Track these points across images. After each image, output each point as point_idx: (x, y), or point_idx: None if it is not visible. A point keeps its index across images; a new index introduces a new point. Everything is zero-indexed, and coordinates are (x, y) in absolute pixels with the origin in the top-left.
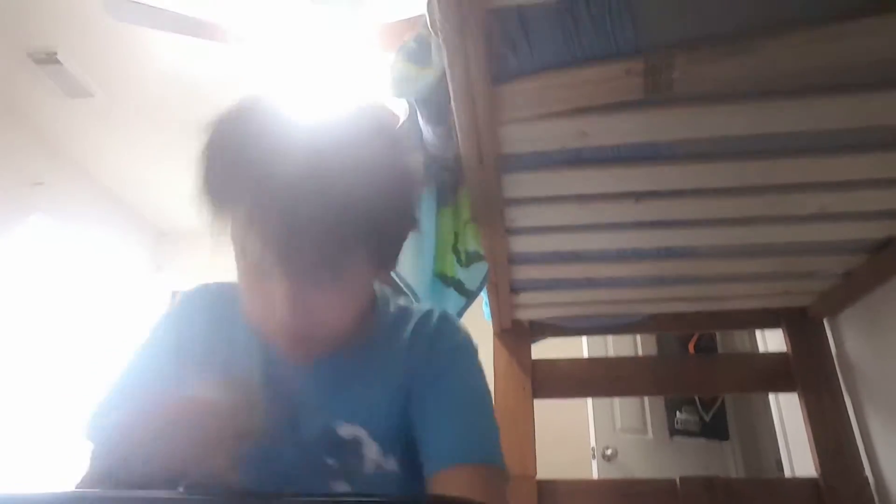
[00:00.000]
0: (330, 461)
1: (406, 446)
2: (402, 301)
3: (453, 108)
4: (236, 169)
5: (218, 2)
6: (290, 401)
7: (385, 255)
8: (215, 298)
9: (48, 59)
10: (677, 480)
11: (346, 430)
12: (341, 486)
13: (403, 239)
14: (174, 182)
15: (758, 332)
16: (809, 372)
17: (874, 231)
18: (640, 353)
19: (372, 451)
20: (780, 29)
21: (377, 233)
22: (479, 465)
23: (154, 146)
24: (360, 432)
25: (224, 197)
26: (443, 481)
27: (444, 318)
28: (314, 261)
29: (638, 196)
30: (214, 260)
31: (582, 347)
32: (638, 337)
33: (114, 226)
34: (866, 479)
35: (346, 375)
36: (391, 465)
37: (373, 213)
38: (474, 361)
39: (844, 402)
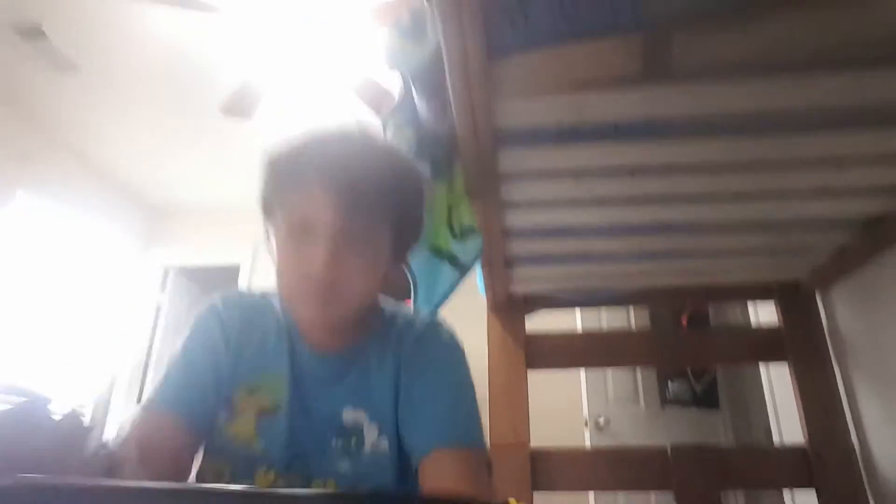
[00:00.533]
0: (335, 442)
1: (397, 430)
2: (396, 307)
3: (448, 83)
4: (301, 159)
5: None
6: (306, 389)
7: (401, 241)
8: (242, 303)
9: (33, 31)
10: (668, 448)
11: (349, 415)
12: (344, 464)
13: (417, 232)
14: (163, 157)
15: (750, 306)
16: (800, 343)
17: (868, 207)
18: (633, 326)
19: (371, 433)
20: (781, 5)
21: (396, 209)
22: (460, 449)
23: (142, 120)
24: (362, 416)
25: (286, 182)
26: (428, 465)
27: (432, 320)
28: (354, 220)
29: (633, 171)
30: (204, 235)
31: (576, 321)
32: (631, 311)
33: (103, 201)
34: (852, 445)
35: (351, 367)
36: (384, 445)
37: (396, 196)
38: (458, 357)
39: (834, 373)
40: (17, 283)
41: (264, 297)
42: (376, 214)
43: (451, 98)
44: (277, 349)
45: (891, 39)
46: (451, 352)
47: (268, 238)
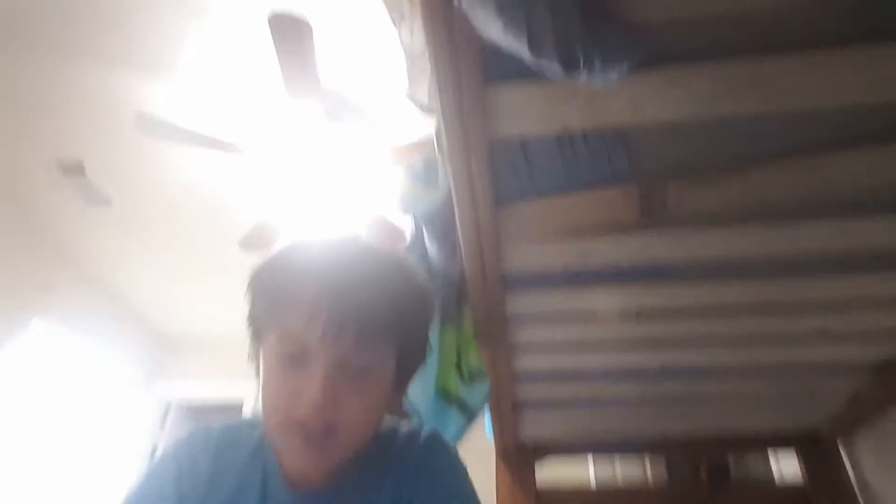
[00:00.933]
0: None
1: None
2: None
3: (458, 229)
4: (295, 272)
5: (241, 117)
6: None
7: (404, 369)
8: (220, 439)
9: (75, 168)
10: None
11: None
12: None
13: (422, 358)
14: (179, 290)
15: (772, 455)
16: (827, 498)
17: (877, 352)
18: (649, 475)
19: None
20: (765, 159)
21: (402, 336)
22: None
23: (160, 252)
24: None
25: (277, 298)
26: None
27: (430, 439)
28: (353, 343)
29: (639, 313)
30: (214, 368)
31: (588, 470)
32: (647, 461)
33: (115, 331)
34: None
35: (341, 498)
36: None
37: (400, 315)
38: (463, 483)
39: None
40: (29, 410)
41: (252, 426)
42: (381, 341)
43: (461, 243)
44: (248, 492)
45: (870, 190)
46: (455, 477)
47: (255, 362)
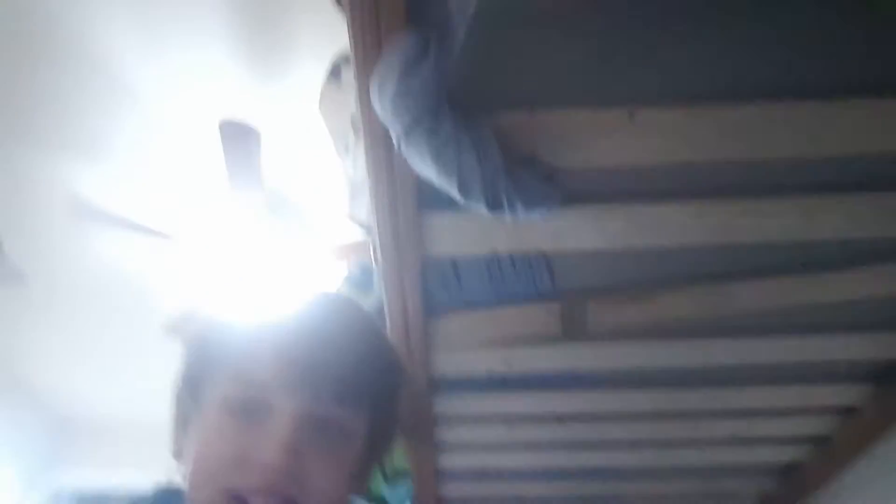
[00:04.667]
0: None
1: None
2: None
3: (388, 334)
4: (249, 320)
5: (175, 204)
6: None
7: (374, 443)
8: None
9: None
10: None
11: None
12: None
13: (391, 432)
14: (85, 371)
15: None
16: None
17: (781, 455)
18: None
19: None
20: (674, 283)
21: (376, 398)
22: None
23: (75, 339)
24: None
25: (226, 346)
26: None
27: None
28: (328, 390)
29: (560, 418)
30: (115, 455)
31: None
32: None
33: (12, 410)
34: None
35: None
36: None
37: (376, 369)
38: None
39: None
40: None
41: None
42: (356, 397)
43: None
44: None
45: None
46: None
47: (180, 431)
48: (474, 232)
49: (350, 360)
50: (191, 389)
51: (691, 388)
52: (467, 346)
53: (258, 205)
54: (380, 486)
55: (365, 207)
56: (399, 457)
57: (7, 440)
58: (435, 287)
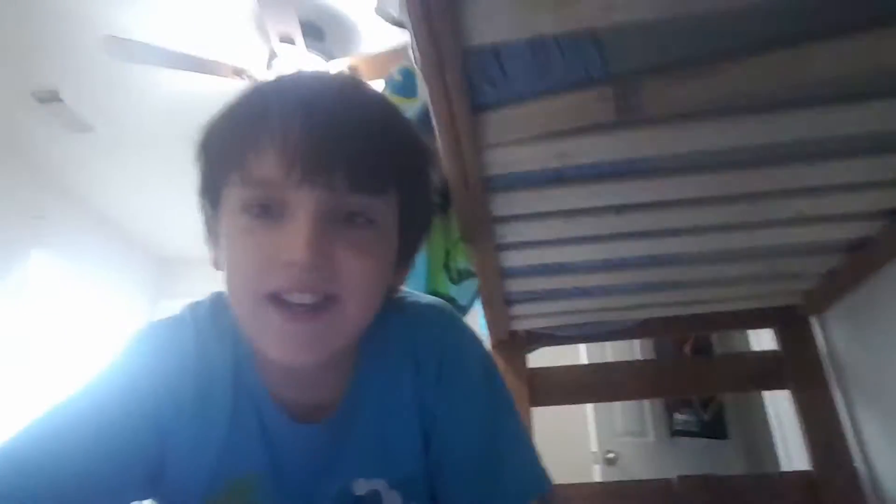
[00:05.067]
0: None
1: (430, 489)
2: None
3: (437, 136)
4: (257, 109)
5: (215, 38)
6: (296, 482)
7: (409, 229)
8: (198, 355)
9: (50, 97)
10: (674, 480)
11: (362, 487)
12: None
13: (427, 214)
14: (175, 211)
15: (752, 334)
16: (800, 369)
17: (850, 231)
18: (637, 356)
19: (393, 503)
20: (740, 52)
21: (403, 180)
22: None
23: (154, 176)
24: (379, 485)
25: (236, 143)
26: None
27: (448, 327)
28: (344, 180)
29: (619, 209)
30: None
31: (579, 355)
32: (635, 343)
33: (116, 256)
34: (856, 469)
35: (352, 426)
36: None
37: (398, 149)
38: (488, 378)
39: (834, 398)
40: (33, 340)
41: (217, 322)
42: (379, 182)
43: (441, 152)
44: (246, 432)
45: (843, 80)
46: (480, 372)
47: (213, 241)
48: (515, 13)
49: (362, 143)
50: (209, 198)
51: (756, 167)
52: (519, 141)
53: (293, 23)
54: (448, 288)
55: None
56: (463, 258)
57: (117, 282)
58: (479, 82)
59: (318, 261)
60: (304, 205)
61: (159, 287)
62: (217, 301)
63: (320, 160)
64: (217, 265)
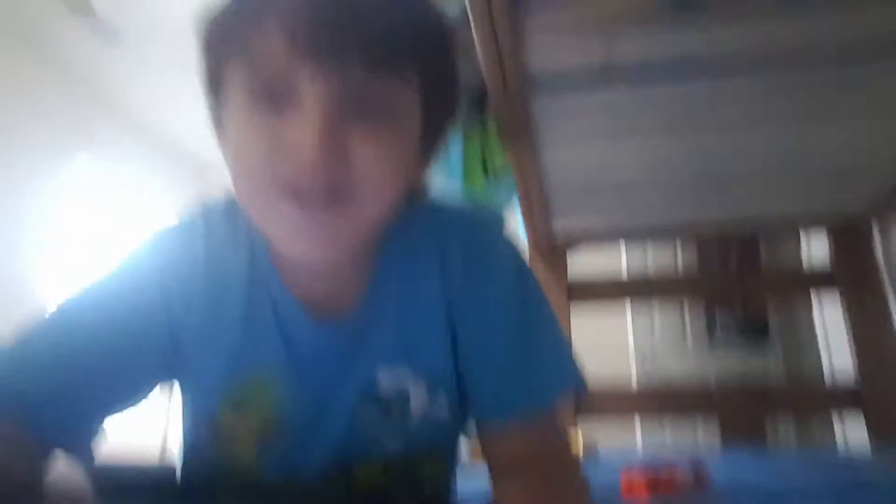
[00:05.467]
0: (373, 418)
1: (456, 383)
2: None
3: (473, 32)
4: None
5: None
6: (316, 376)
7: (433, 115)
8: (209, 248)
9: (81, 6)
10: (712, 386)
11: (386, 376)
12: (391, 443)
13: (452, 99)
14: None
15: (804, 244)
16: (853, 274)
17: None
18: (679, 264)
19: (419, 394)
20: None
21: (424, 61)
22: (532, 420)
23: (190, 83)
24: (403, 374)
25: (239, 24)
26: (492, 440)
27: (478, 225)
28: (357, 63)
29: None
30: None
31: (620, 261)
32: (678, 251)
33: (158, 163)
34: None
35: (376, 318)
36: (440, 407)
37: (417, 28)
38: (519, 275)
39: (887, 304)
40: (79, 246)
41: (231, 222)
42: (396, 64)
43: (478, 47)
44: (261, 329)
45: None
46: (511, 270)
47: (219, 131)
48: None
49: (378, 19)
50: (212, 85)
51: (821, 69)
52: (561, 32)
53: None
54: (484, 184)
55: None
56: (500, 154)
57: (160, 187)
58: None
59: (331, 156)
60: (314, 91)
61: (201, 192)
62: (232, 200)
63: (331, 38)
64: (223, 151)
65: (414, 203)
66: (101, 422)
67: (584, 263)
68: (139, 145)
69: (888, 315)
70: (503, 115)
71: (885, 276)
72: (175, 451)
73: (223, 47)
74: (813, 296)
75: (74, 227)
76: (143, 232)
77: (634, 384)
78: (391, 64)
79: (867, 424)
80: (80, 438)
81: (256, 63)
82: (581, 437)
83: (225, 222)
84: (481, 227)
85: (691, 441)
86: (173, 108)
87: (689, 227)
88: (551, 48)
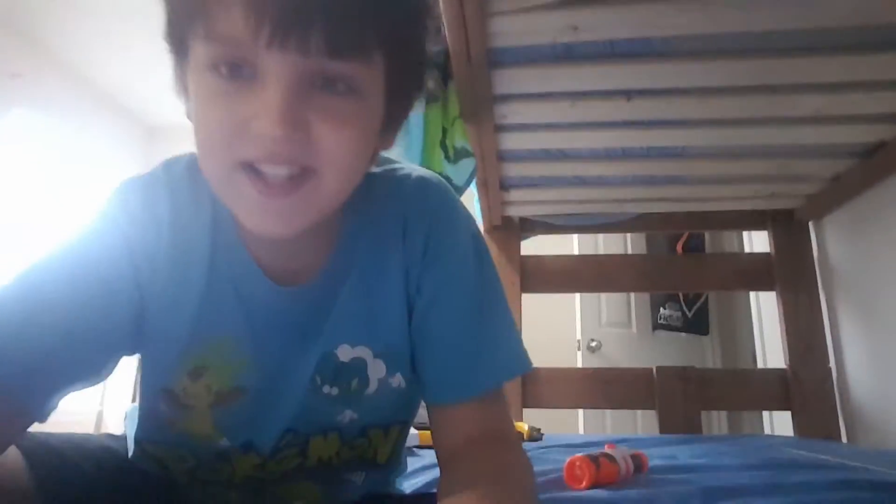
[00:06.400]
0: (330, 389)
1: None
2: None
3: (440, 2)
4: None
5: None
6: (276, 346)
7: (396, 92)
8: (174, 210)
9: None
10: (654, 370)
11: (346, 354)
12: (347, 415)
13: (418, 75)
14: (162, 76)
15: (745, 234)
16: (789, 271)
17: (866, 135)
18: (629, 250)
19: (377, 371)
20: None
21: (389, 36)
22: (479, 399)
23: (139, 39)
24: (363, 352)
25: None
26: (441, 419)
27: (440, 198)
28: (320, 39)
29: (629, 94)
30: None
31: (572, 246)
32: (628, 237)
33: (102, 121)
34: (829, 370)
35: (338, 291)
36: (398, 381)
37: (389, 11)
38: (477, 255)
39: (819, 300)
40: (12, 203)
41: (194, 182)
42: (361, 39)
43: (444, 18)
44: (223, 293)
45: None
46: (468, 251)
47: (182, 92)
48: None
49: None
50: (175, 47)
51: (777, 56)
52: (527, 7)
53: None
54: (443, 166)
55: None
56: (462, 136)
57: (103, 149)
58: None
59: (293, 134)
60: (275, 70)
61: (148, 156)
62: (194, 160)
63: (294, 18)
64: (190, 117)
65: (377, 170)
66: (62, 397)
67: (536, 248)
68: (83, 101)
69: (818, 311)
70: (466, 92)
71: (817, 267)
72: (113, 418)
73: (187, 21)
74: (751, 291)
75: (8, 185)
76: (82, 192)
77: (580, 365)
78: (355, 47)
79: (792, 414)
80: (37, 416)
81: (217, 36)
82: (525, 422)
83: (187, 181)
84: (443, 203)
85: (631, 428)
86: (122, 67)
87: (638, 220)
88: (518, 23)
